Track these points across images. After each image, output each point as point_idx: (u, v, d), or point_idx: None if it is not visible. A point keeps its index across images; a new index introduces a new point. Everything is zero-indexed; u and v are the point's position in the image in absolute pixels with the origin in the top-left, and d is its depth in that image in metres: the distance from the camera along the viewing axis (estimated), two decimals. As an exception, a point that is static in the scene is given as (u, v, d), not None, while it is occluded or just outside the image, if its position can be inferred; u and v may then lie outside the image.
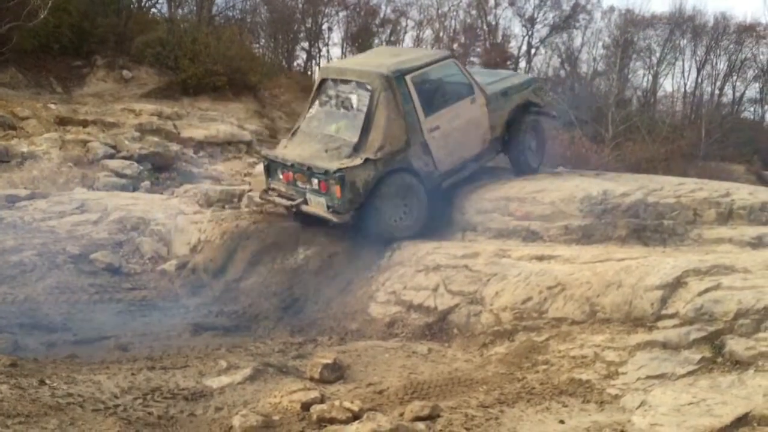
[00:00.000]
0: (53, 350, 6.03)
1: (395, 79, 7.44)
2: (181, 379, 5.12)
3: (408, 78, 7.52)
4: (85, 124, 16.11)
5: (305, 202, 7.50)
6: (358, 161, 7.19)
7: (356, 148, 7.31)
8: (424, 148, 7.64)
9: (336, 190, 7.09)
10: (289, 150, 7.85)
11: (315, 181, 7.31)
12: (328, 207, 7.26)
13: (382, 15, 34.28)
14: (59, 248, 8.48)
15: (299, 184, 7.55)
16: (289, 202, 7.64)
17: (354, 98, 7.66)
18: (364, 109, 7.45)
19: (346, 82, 7.81)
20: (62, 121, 15.98)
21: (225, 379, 5.12)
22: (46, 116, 16.01)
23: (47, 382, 4.77)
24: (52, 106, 16.70)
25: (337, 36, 33.61)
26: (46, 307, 7.02)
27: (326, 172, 7.15)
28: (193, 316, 7.15)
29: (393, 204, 7.43)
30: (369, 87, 7.49)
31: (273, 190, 7.94)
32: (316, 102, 8.08)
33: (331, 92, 7.93)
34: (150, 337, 6.49)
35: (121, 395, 4.74)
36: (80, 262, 8.28)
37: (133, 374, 5.19)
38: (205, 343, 6.35)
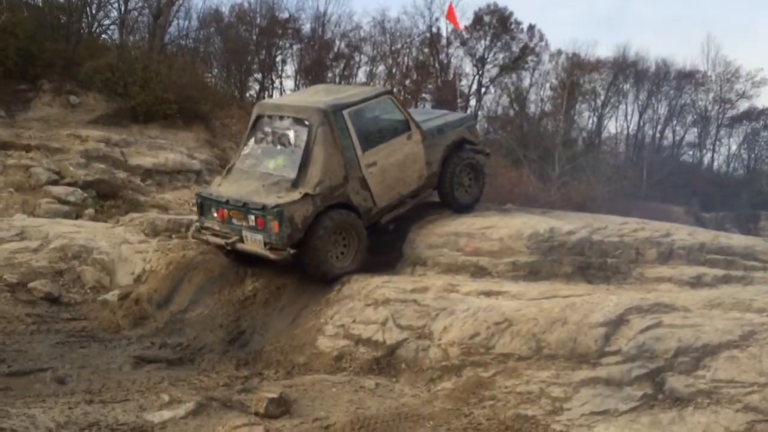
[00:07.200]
0: (-15, 383, 5.78)
1: (333, 114, 7.42)
2: (120, 414, 4.98)
3: (345, 113, 7.51)
4: (28, 149, 15.68)
5: (241, 240, 7.35)
6: (296, 196, 7.12)
7: (295, 184, 7.23)
8: (362, 183, 7.64)
9: (274, 225, 6.99)
10: (224, 187, 7.70)
11: (252, 217, 7.17)
12: (266, 244, 7.13)
13: (336, 50, 34.66)
14: (-4, 276, 8.21)
15: (235, 221, 7.37)
16: (223, 241, 7.46)
17: (291, 134, 7.60)
18: (302, 144, 7.41)
19: (282, 118, 7.75)
20: (4, 146, 15.53)
21: (167, 414, 4.99)
22: (-13, 140, 15.57)
23: (-22, 416, 4.58)
24: (-6, 129, 16.25)
25: (290, 69, 33.80)
26: (-21, 337, 6.76)
27: (264, 208, 7.05)
28: (134, 348, 6.99)
29: (332, 240, 7.37)
30: (307, 122, 7.46)
31: (207, 228, 7.75)
32: (252, 139, 7.97)
33: (268, 129, 7.83)
34: (89, 370, 6.30)
35: (56, 430, 4.58)
36: (18, 290, 8.04)
37: (70, 408, 5.03)
38: (147, 376, 6.20)
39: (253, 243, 7.26)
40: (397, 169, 7.97)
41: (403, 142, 8.04)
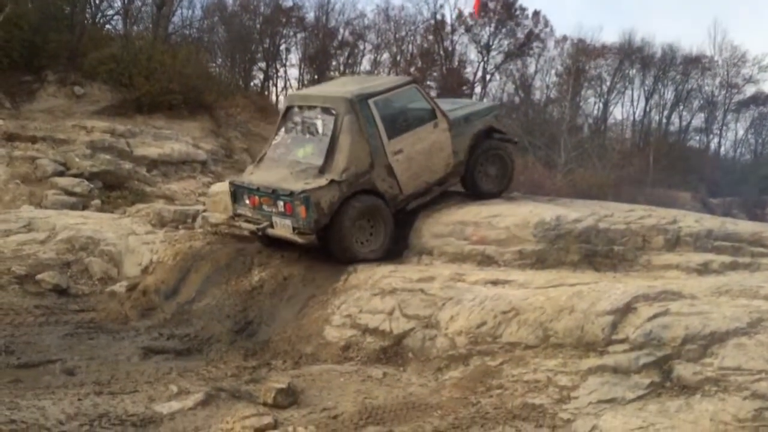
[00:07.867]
0: (-5, 374, 5.81)
1: (358, 103, 7.60)
2: (129, 405, 4.99)
3: (371, 102, 7.68)
4: (34, 140, 15.74)
5: (271, 225, 7.57)
6: (323, 182, 7.31)
7: (321, 171, 7.44)
8: (388, 170, 7.78)
9: (301, 210, 7.19)
10: (255, 175, 7.96)
11: (280, 203, 7.39)
12: (294, 228, 7.34)
13: (340, 38, 34.57)
14: (4, 268, 8.25)
15: (265, 207, 7.62)
16: (255, 226, 7.69)
17: (319, 123, 7.79)
18: (329, 133, 7.60)
19: (311, 108, 7.97)
20: (10, 137, 15.58)
21: (176, 405, 5.01)
22: (-7, 132, 15.60)
23: (-12, 408, 4.60)
24: (0, 121, 16.28)
25: (294, 57, 33.74)
26: (-11, 329, 6.78)
27: (291, 194, 7.24)
28: (143, 339, 6.99)
29: (358, 226, 7.53)
30: (333, 111, 7.65)
31: (240, 215, 8.01)
32: (282, 129, 8.20)
33: (297, 119, 8.05)
34: (98, 361, 6.30)
35: (66, 422, 4.59)
36: (26, 282, 8.06)
37: (79, 399, 5.04)
38: (156, 367, 6.20)
39: (282, 228, 7.48)
40: (423, 156, 8.08)
41: (429, 131, 8.14)
